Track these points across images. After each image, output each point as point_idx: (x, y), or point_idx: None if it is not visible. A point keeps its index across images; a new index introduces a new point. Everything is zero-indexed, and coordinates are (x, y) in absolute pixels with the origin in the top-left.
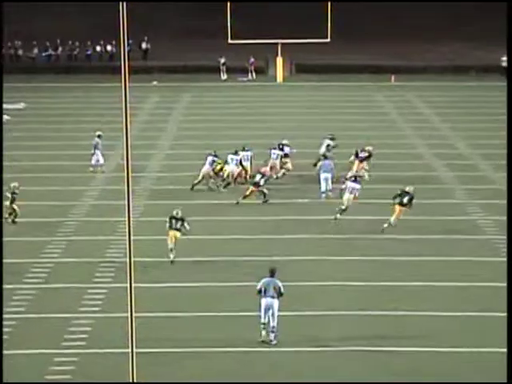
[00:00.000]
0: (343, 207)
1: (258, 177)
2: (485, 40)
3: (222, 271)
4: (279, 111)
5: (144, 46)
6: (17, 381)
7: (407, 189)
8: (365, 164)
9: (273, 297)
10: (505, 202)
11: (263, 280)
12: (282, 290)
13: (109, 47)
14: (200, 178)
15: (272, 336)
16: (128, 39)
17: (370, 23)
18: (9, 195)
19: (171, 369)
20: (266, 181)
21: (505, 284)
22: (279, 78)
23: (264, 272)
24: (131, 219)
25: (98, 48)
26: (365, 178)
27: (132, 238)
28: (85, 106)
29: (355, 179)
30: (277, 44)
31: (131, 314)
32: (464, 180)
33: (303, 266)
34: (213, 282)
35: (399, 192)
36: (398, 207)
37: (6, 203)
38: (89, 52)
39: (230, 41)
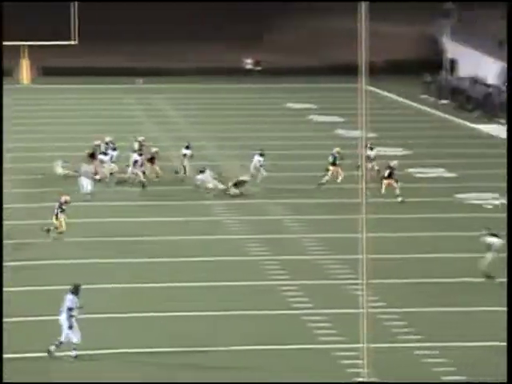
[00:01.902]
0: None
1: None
2: (229, 42)
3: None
4: (26, 115)
5: None
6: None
7: (392, 164)
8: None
9: (66, 314)
10: (252, 201)
11: None
12: (69, 305)
13: None
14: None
15: (73, 353)
16: None
17: (119, 25)
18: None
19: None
20: None
21: (253, 283)
22: (25, 80)
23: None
24: None
25: None
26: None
27: None
28: None
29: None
30: (22, 46)
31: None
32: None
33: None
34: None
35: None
36: (384, 180)
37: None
38: None
39: None
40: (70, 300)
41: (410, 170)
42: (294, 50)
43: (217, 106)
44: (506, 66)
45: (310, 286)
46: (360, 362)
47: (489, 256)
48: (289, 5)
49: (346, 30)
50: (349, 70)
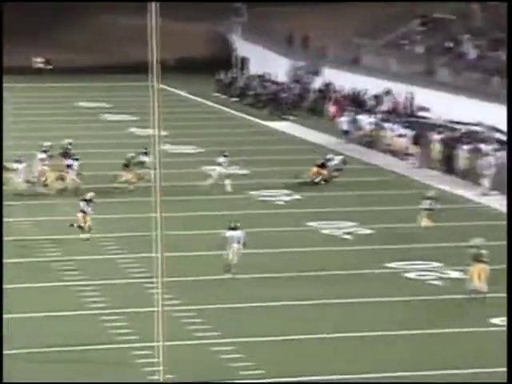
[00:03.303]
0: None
1: None
2: (17, 41)
3: None
4: None
5: None
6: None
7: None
8: None
9: None
10: (44, 202)
11: None
12: None
13: None
14: None
15: None
16: None
17: None
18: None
19: None
20: None
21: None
22: None
23: None
24: None
25: None
26: None
27: None
28: None
29: None
30: None
31: None
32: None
33: None
34: None
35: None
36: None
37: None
38: None
39: None
40: None
41: (203, 167)
42: (84, 48)
43: (6, 105)
44: (294, 63)
45: (105, 285)
46: (156, 360)
47: (234, 247)
48: (78, 2)
49: (137, 27)
50: (140, 68)
